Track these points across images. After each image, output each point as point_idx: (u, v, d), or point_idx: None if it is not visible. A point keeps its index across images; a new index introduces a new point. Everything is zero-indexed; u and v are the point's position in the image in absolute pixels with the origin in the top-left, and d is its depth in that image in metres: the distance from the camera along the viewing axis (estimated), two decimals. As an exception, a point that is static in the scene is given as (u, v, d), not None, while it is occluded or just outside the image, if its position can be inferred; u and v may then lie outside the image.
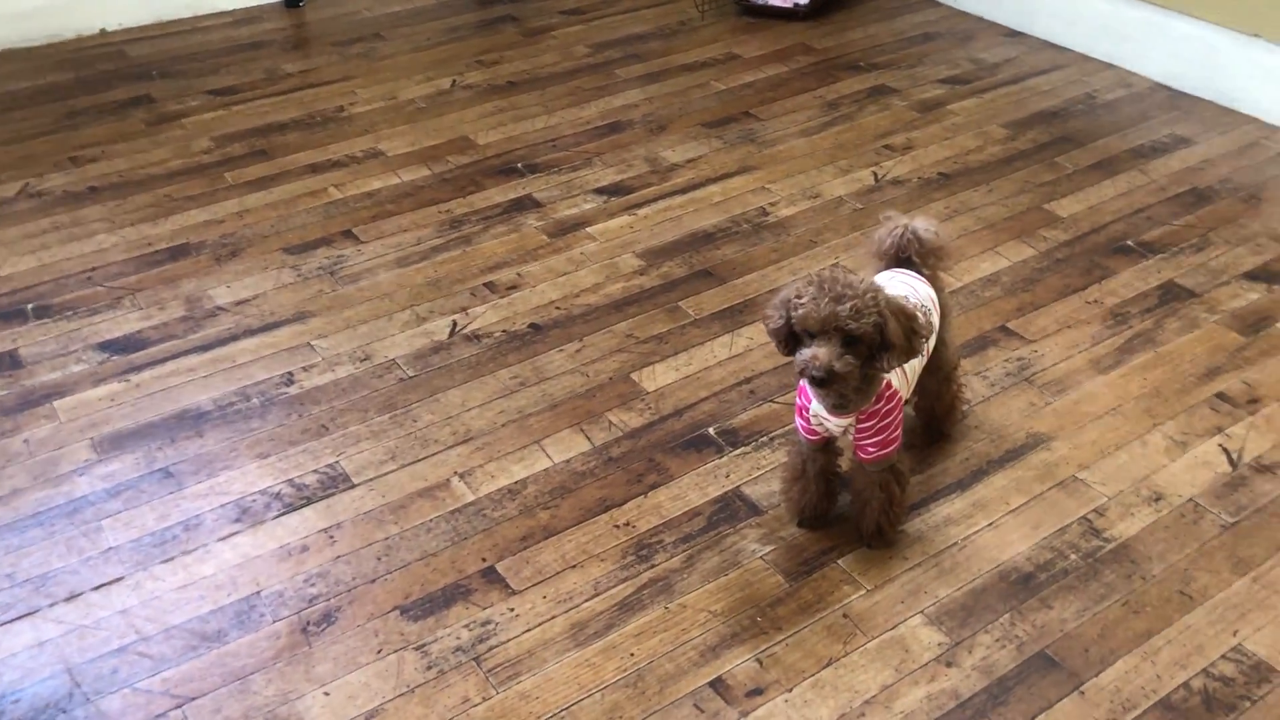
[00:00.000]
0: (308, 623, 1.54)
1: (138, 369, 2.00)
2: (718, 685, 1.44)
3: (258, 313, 2.14)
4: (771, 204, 2.44)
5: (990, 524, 1.66)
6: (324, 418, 1.89)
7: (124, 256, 2.31)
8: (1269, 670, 1.44)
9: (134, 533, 1.68)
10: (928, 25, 3.29)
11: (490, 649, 1.50)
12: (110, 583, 1.60)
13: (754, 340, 2.03)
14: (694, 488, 1.73)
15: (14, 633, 1.53)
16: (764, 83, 2.98)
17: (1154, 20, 2.89)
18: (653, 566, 1.61)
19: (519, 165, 2.62)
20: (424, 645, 1.50)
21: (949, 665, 1.46)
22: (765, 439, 1.81)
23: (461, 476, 1.77)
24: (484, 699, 1.43)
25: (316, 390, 1.95)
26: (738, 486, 1.73)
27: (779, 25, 3.32)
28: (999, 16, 3.27)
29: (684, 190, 2.50)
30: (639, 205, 2.46)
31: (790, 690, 1.43)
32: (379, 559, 1.63)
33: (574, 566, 1.61)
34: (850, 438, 1.53)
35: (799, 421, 1.55)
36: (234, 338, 2.08)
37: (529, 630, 1.52)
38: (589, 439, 1.83)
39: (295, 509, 1.72)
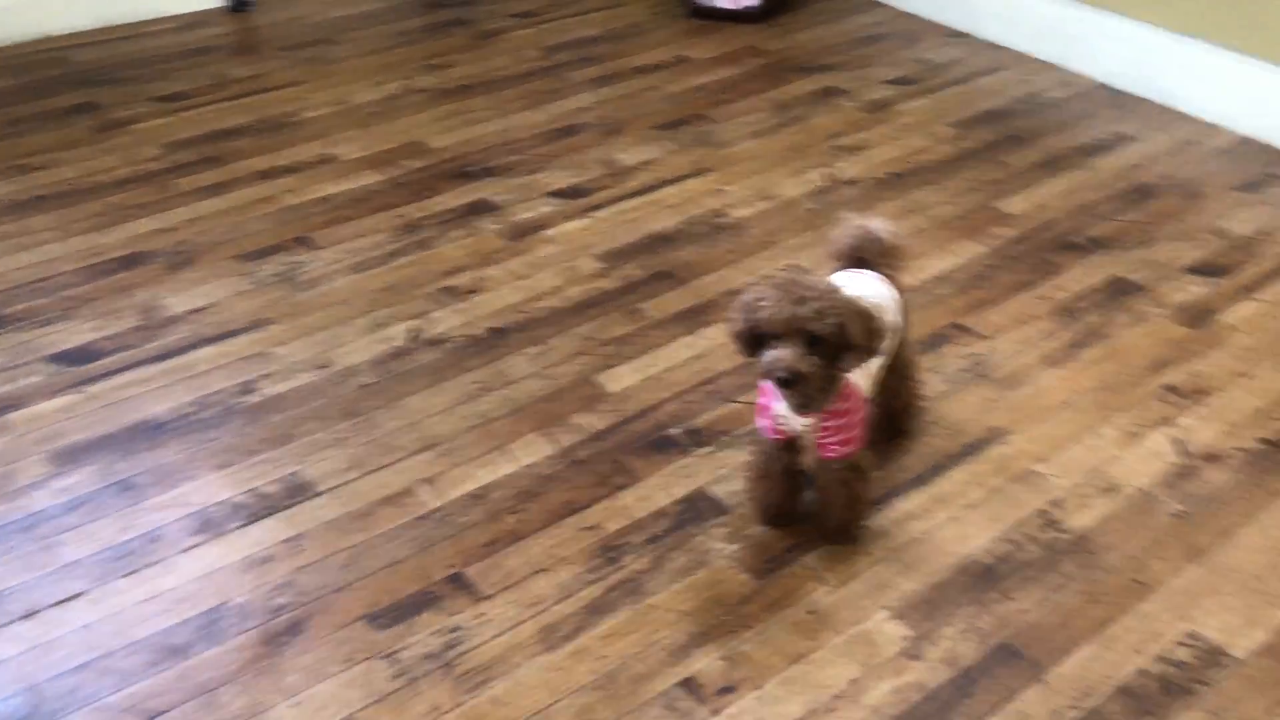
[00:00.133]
0: (274, 634, 1.53)
1: (92, 380, 1.97)
2: (689, 684, 1.45)
3: (214, 321, 2.12)
4: (727, 205, 2.46)
5: (950, 518, 1.69)
6: (285, 426, 1.88)
7: (75, 266, 2.27)
8: (1221, 654, 1.48)
9: (94, 546, 1.66)
10: (874, 27, 3.34)
11: (460, 655, 1.50)
12: (70, 598, 1.58)
13: (715, 340, 2.05)
14: (660, 488, 1.74)
15: (-28, 652, 1.50)
16: (715, 85, 3.00)
17: (1094, 21, 2.95)
18: (621, 568, 1.62)
19: (474, 169, 2.62)
20: (393, 653, 1.50)
21: (914, 658, 1.48)
22: (729, 438, 1.83)
23: (426, 483, 1.77)
24: (455, 706, 1.43)
25: (276, 398, 1.94)
26: (703, 486, 1.74)
27: (728, 28, 3.35)
28: (943, 18, 3.32)
29: (640, 192, 2.52)
30: (596, 208, 2.46)
31: (760, 687, 1.45)
32: (345, 568, 1.63)
33: (542, 570, 1.62)
34: (814, 437, 1.55)
35: (762, 421, 1.57)
36: (190, 347, 2.05)
37: (498, 635, 1.52)
38: (553, 442, 1.84)
39: (258, 519, 1.71)
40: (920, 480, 1.76)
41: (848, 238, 1.66)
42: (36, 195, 2.51)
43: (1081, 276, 2.22)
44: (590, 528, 1.68)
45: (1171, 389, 1.93)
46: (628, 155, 2.67)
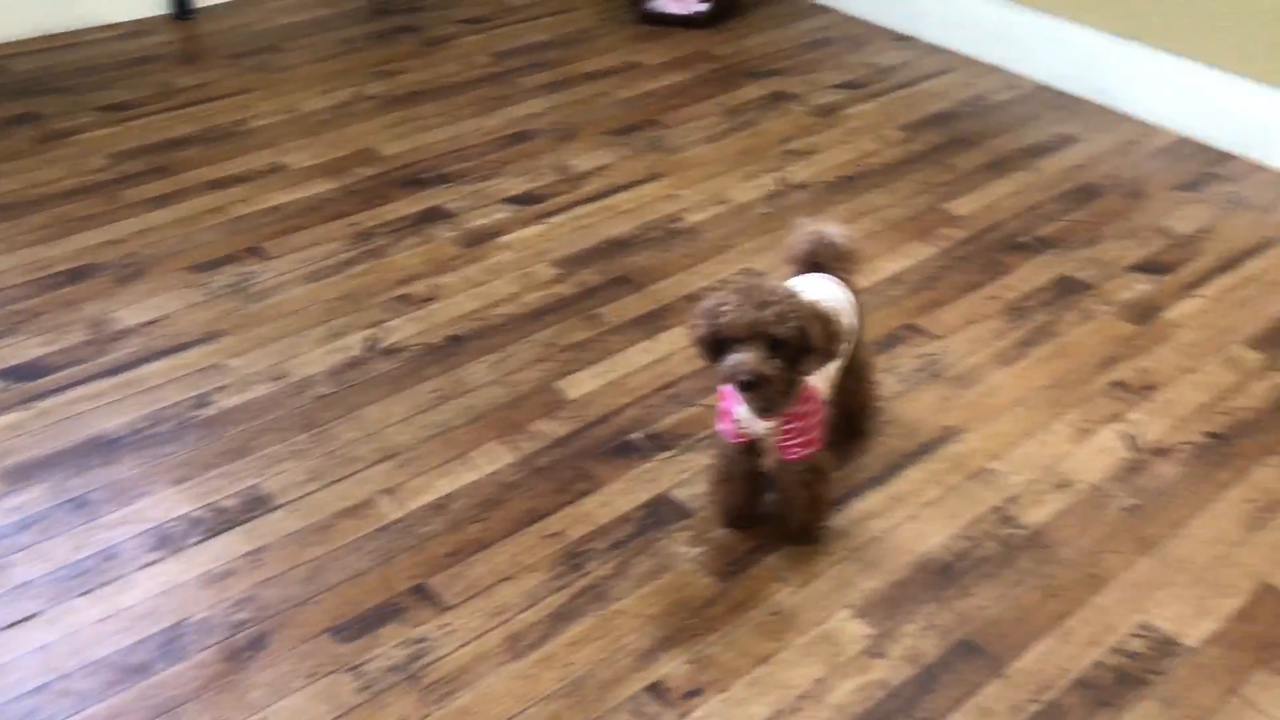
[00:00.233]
0: (236, 649, 1.51)
1: (42, 396, 1.94)
2: (655, 689, 1.46)
3: (166, 334, 2.09)
4: (682, 210, 2.48)
5: (909, 516, 1.72)
6: (241, 439, 1.86)
7: (21, 280, 2.23)
8: (1174, 644, 1.52)
9: (48, 566, 1.63)
10: (821, 31, 3.37)
11: (425, 666, 1.49)
12: (25, 619, 1.55)
13: (674, 345, 2.06)
14: (622, 494, 1.75)
15: (-75, 677, 1.47)
16: (666, 90, 3.02)
17: (1037, 24, 3.01)
18: (585, 575, 1.62)
19: (427, 176, 2.61)
20: (358, 666, 1.49)
21: (877, 656, 1.50)
22: (690, 442, 1.84)
23: (386, 494, 1.76)
24: (422, 717, 1.43)
25: (232, 411, 1.92)
26: (666, 490, 1.75)
27: (677, 33, 3.36)
28: (889, 21, 3.37)
29: (595, 198, 2.52)
30: (551, 214, 2.47)
31: (726, 689, 1.46)
32: (306, 581, 1.61)
33: (506, 579, 1.62)
34: (775, 439, 1.57)
35: (724, 425, 1.58)
36: (142, 360, 2.03)
37: (464, 645, 1.52)
38: (515, 450, 1.84)
39: (217, 534, 1.69)
40: (878, 480, 1.78)
41: (803, 243, 1.67)
42: (-22, 208, 2.46)
43: (1030, 276, 2.26)
44: (553, 535, 1.68)
45: (1120, 385, 1.97)
46: (581, 161, 2.67)
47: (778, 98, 2.97)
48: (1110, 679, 1.47)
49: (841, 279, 1.69)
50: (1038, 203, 2.51)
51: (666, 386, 1.97)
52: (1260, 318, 2.13)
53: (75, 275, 2.25)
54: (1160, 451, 1.83)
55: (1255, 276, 2.25)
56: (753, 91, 3.00)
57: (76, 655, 1.50)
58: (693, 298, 2.19)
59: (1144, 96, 2.83)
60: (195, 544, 1.67)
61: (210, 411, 1.92)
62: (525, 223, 2.44)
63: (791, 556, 1.64)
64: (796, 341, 1.41)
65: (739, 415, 1.54)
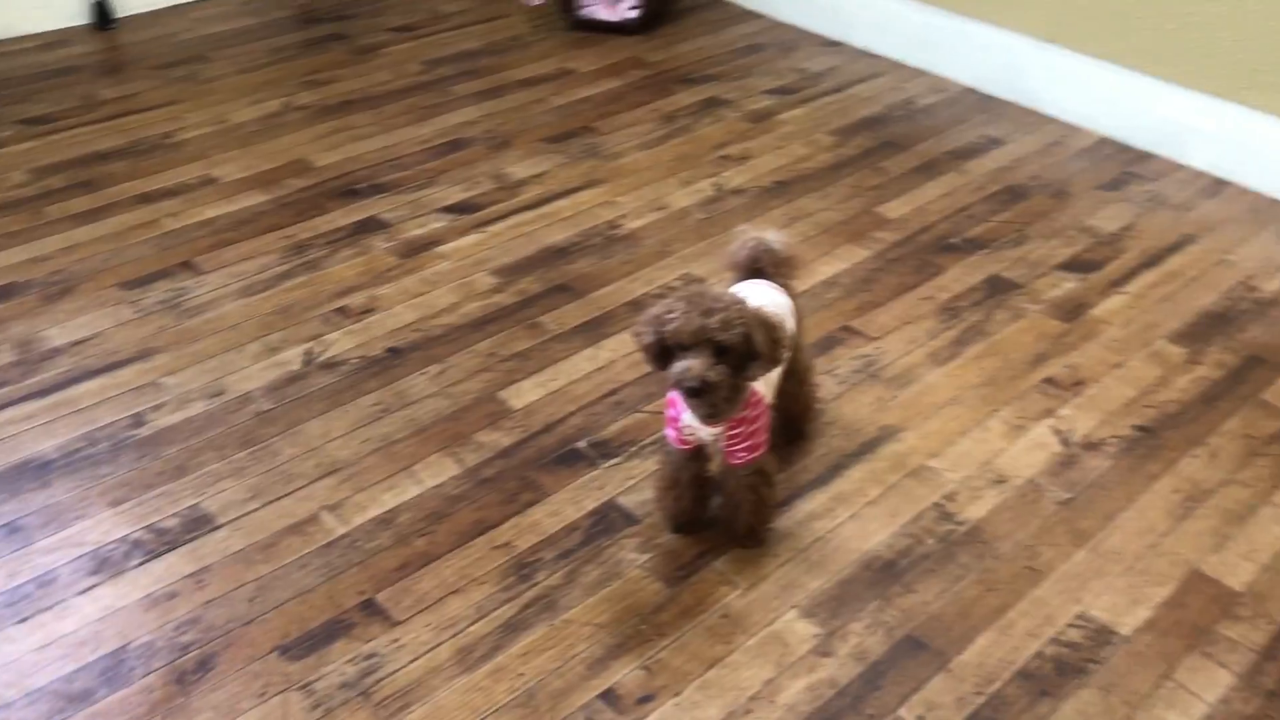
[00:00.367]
0: (183, 672, 1.49)
1: (-31, 420, 1.89)
2: (608, 696, 1.47)
3: (98, 352, 2.05)
4: (620, 217, 2.49)
5: (851, 515, 1.75)
6: (180, 458, 1.83)
7: (-58, 300, 2.18)
8: (1110, 633, 1.56)
9: (-18, 594, 1.59)
10: (752, 37, 3.41)
11: (377, 682, 1.48)
12: (-40, 650, 1.51)
13: (617, 352, 2.07)
14: (569, 502, 1.76)
15: None
16: (601, 97, 3.03)
17: (961, 28, 3.07)
18: (534, 585, 1.62)
19: (361, 186, 2.59)
20: (308, 684, 1.48)
21: (825, 655, 1.53)
22: (636, 448, 1.86)
23: (330, 509, 1.75)
24: (375, 732, 1.42)
25: (169, 430, 1.89)
26: (612, 498, 1.76)
27: (610, 40, 3.38)
28: (818, 27, 3.41)
29: (532, 206, 2.52)
30: (489, 222, 2.46)
31: (679, 694, 1.47)
32: (252, 600, 1.60)
33: (455, 592, 1.61)
34: (721, 445, 1.58)
35: (670, 432, 1.59)
36: (74, 380, 1.99)
37: (415, 660, 1.52)
38: (459, 461, 1.83)
39: (158, 555, 1.66)
40: (821, 481, 1.81)
41: (744, 250, 1.70)
42: (-105, 226, 2.39)
43: (961, 276, 2.31)
44: (502, 546, 1.69)
45: (1050, 382, 2.03)
46: (518, 169, 2.67)
47: (711, 104, 2.99)
48: (1050, 669, 1.51)
49: (781, 285, 1.71)
50: (967, 204, 2.56)
51: (610, 394, 1.98)
52: (1182, 313, 2.20)
53: (0, 294, 2.20)
54: (1091, 446, 1.89)
55: (1176, 273, 2.32)
56: (686, 98, 3.03)
57: (16, 685, 1.47)
58: (634, 304, 2.20)
59: (1065, 98, 2.91)
60: (136, 566, 1.64)
61: (146, 431, 1.88)
62: (463, 232, 2.43)
63: (739, 560, 1.66)
64: (742, 348, 1.43)
65: (685, 421, 1.55)
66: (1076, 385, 2.02)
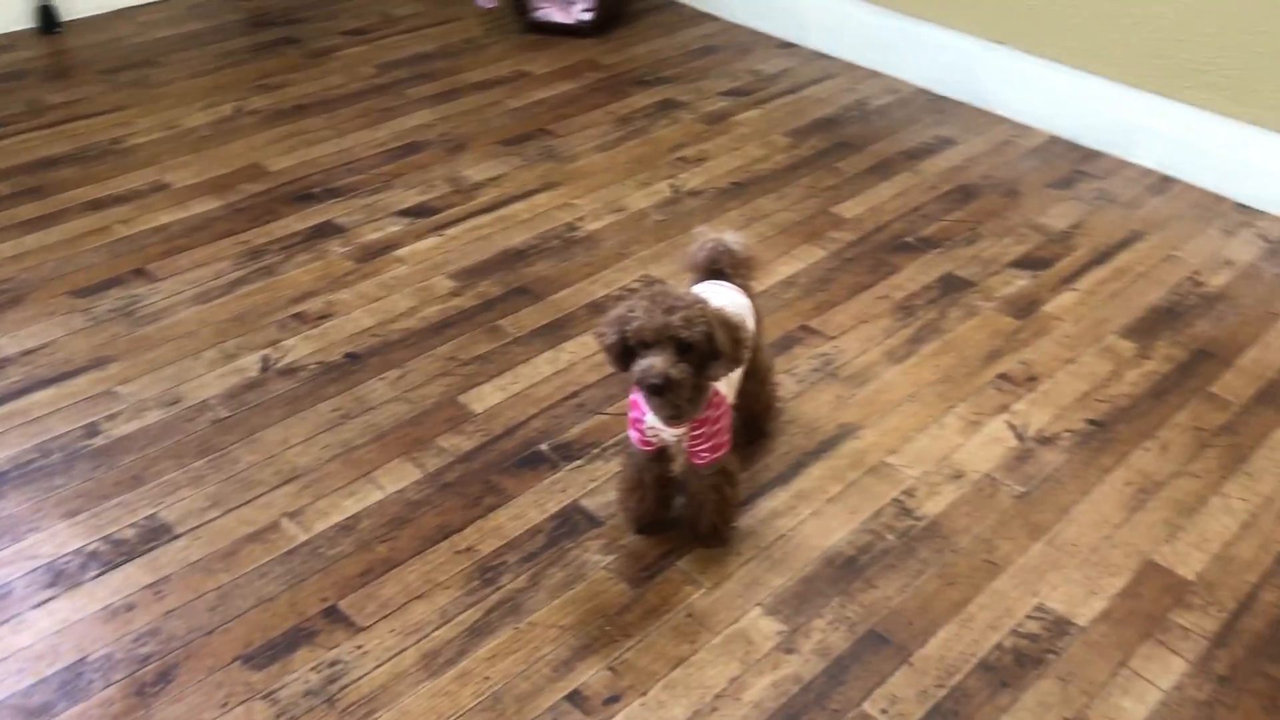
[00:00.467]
0: (143, 684, 1.47)
1: (-82, 432, 1.86)
2: (574, 698, 1.47)
3: (50, 362, 2.02)
4: (578, 219, 2.49)
5: (813, 513, 1.76)
6: (136, 467, 1.81)
7: (-113, 311, 2.13)
8: (1067, 624, 1.59)
9: (-65, 610, 1.56)
10: (707, 39, 3.42)
11: (342, 689, 1.48)
12: (-87, 666, 1.49)
13: (577, 354, 2.07)
14: (532, 505, 1.76)
15: None
16: (556, 99, 3.03)
17: (913, 30, 3.11)
18: (499, 588, 1.62)
19: (316, 191, 2.57)
20: (272, 693, 1.47)
21: (789, 652, 1.54)
22: (598, 450, 1.86)
23: (291, 517, 1.73)
24: (341, 740, 1.42)
25: (124, 439, 1.86)
26: (575, 500, 1.77)
27: (564, 42, 3.38)
28: (772, 29, 3.44)
29: (490, 209, 2.52)
30: (446, 225, 2.46)
31: (645, 694, 1.48)
32: (213, 609, 1.58)
33: (419, 597, 1.61)
34: (684, 445, 1.59)
35: (633, 434, 1.60)
36: (25, 390, 1.95)
37: (380, 666, 1.51)
38: (420, 467, 1.83)
39: (115, 566, 1.64)
40: (782, 479, 1.82)
41: (703, 251, 1.71)
42: None
43: (916, 275, 2.34)
44: (465, 550, 1.68)
45: (1005, 378, 2.06)
46: (474, 172, 2.67)
47: (667, 106, 3.01)
48: (1010, 660, 1.54)
49: (739, 285, 1.72)
50: (920, 204, 2.60)
51: (571, 396, 1.98)
52: (1132, 308, 2.24)
53: (-52, 304, 2.16)
54: (1045, 440, 1.92)
55: (1125, 269, 2.36)
56: (642, 100, 3.03)
57: (-29, 701, 1.44)
58: (594, 306, 2.21)
59: (1016, 98, 2.95)
60: (93, 578, 1.62)
61: (101, 441, 1.86)
62: (420, 235, 2.42)
63: (702, 559, 1.67)
64: (704, 346, 1.44)
65: (649, 423, 1.56)
66: (1030, 381, 2.05)
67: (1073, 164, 2.76)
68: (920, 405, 1.99)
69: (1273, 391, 2.02)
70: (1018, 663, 1.54)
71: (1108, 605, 1.62)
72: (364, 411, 1.94)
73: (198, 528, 1.71)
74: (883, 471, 1.85)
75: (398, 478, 1.81)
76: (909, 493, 1.81)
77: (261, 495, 1.77)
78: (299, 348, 2.09)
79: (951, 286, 2.30)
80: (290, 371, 2.03)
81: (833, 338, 2.15)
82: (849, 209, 2.57)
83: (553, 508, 1.75)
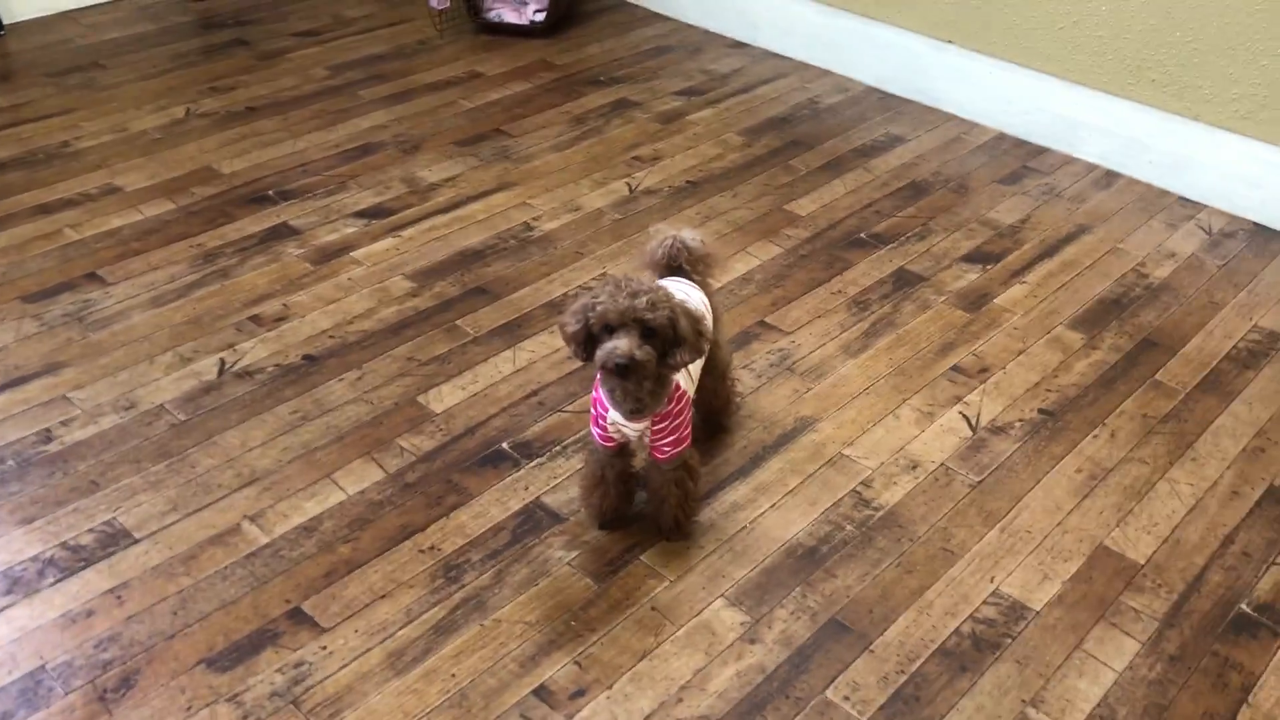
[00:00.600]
0: (104, 690, 1.46)
1: None
2: (541, 693, 1.48)
3: (1, 368, 1.99)
4: (535, 219, 2.50)
5: (773, 505, 1.79)
6: (92, 473, 1.79)
7: None
8: (1023, 608, 1.63)
9: (-112, 620, 1.54)
10: (659, 39, 3.44)
11: (307, 690, 1.47)
12: None
13: (537, 353, 2.08)
14: (495, 503, 1.76)
15: None
16: (510, 100, 3.03)
17: (862, 29, 3.15)
18: (463, 586, 1.63)
19: (270, 193, 2.56)
20: (236, 696, 1.46)
21: (752, 642, 1.56)
22: (559, 448, 1.87)
23: (252, 519, 1.73)
24: (307, 740, 1.41)
25: (80, 445, 1.84)
26: (538, 497, 1.77)
27: (517, 43, 3.38)
28: (724, 29, 3.47)
29: (446, 209, 2.52)
30: (402, 226, 2.45)
31: (610, 687, 1.49)
32: (175, 613, 1.57)
33: (383, 596, 1.61)
34: (646, 441, 1.61)
35: (595, 430, 1.61)
36: (-23, 397, 1.93)
37: (345, 666, 1.51)
38: (382, 467, 1.83)
39: (73, 573, 1.62)
40: (742, 472, 1.85)
41: (661, 248, 1.72)
42: None
43: (869, 270, 2.38)
44: (428, 549, 1.69)
45: (958, 369, 2.10)
46: (429, 172, 2.66)
47: (621, 105, 3.02)
48: (968, 646, 1.57)
49: (697, 282, 1.74)
50: (873, 200, 2.63)
51: (532, 394, 1.99)
52: (1079, 300, 2.29)
53: (-106, 311, 2.12)
54: (997, 430, 1.96)
55: (1072, 262, 2.41)
56: (596, 99, 3.05)
57: (-72, 711, 1.42)
58: (552, 305, 2.21)
59: (964, 96, 3.00)
60: (51, 585, 1.60)
61: (56, 447, 1.84)
62: (376, 236, 2.42)
63: (665, 553, 1.69)
64: (668, 331, 1.46)
65: (610, 419, 1.57)
66: (982, 372, 2.09)
67: (1020, 160, 2.82)
68: (876, 398, 2.02)
69: (1216, 379, 2.08)
70: (976, 647, 1.57)
71: (1061, 589, 1.66)
72: (323, 413, 1.93)
73: (157, 532, 1.70)
74: (840, 463, 1.87)
75: (359, 478, 1.81)
76: (866, 484, 1.83)
77: (222, 498, 1.76)
78: (256, 350, 2.07)
79: (904, 281, 2.34)
80: (248, 374, 2.02)
81: (789, 333, 2.18)
82: (803, 206, 2.60)
83: (515, 505, 1.76)
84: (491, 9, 3.42)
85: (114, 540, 1.68)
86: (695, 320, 1.50)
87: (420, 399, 1.97)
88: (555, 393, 1.99)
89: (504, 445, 1.88)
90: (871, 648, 1.56)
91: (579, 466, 1.80)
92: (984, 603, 1.63)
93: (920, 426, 1.96)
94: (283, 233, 2.42)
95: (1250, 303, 2.29)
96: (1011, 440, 1.93)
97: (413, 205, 2.53)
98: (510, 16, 3.41)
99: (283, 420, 1.92)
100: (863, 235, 2.49)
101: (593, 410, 1.60)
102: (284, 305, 2.20)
